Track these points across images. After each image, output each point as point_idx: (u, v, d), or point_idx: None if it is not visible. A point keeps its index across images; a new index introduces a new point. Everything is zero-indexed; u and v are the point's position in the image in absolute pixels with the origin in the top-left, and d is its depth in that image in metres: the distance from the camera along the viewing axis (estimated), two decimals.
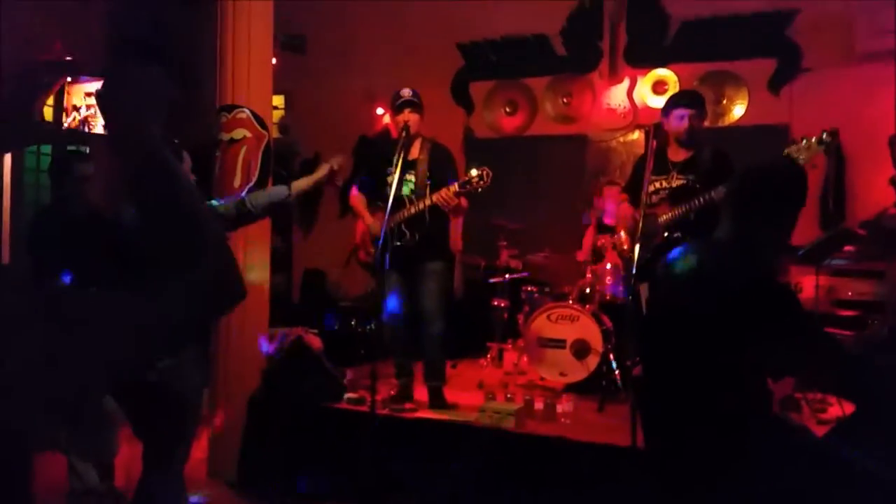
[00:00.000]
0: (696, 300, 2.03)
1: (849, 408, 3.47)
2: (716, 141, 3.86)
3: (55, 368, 0.87)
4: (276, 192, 3.18)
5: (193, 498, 3.64)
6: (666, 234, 3.58)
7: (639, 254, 3.13)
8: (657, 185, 3.67)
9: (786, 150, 3.11)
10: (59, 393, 0.90)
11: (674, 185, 3.65)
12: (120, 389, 2.82)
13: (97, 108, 1.10)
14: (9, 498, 0.98)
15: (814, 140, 3.07)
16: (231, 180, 4.19)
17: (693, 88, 5.85)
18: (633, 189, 3.81)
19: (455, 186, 3.81)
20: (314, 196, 7.30)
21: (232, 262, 1.05)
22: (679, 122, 3.65)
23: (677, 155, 3.71)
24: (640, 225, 3.39)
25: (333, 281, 6.88)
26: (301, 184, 3.29)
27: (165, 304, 0.95)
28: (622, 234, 3.93)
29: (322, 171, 3.32)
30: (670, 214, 3.58)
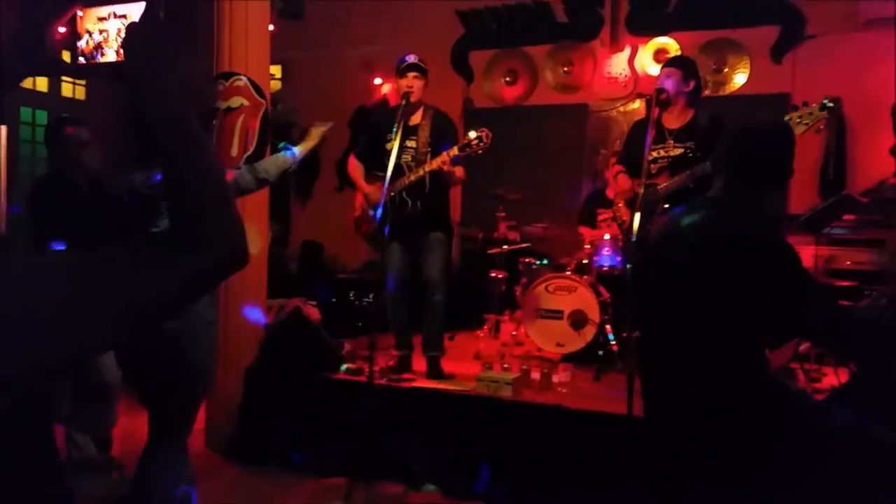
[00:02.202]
0: (691, 260, 2.03)
1: (844, 377, 3.49)
2: (717, 109, 3.81)
3: (60, 334, 0.87)
4: (285, 158, 3.14)
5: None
6: (667, 206, 3.54)
7: (639, 224, 3.12)
8: (655, 154, 3.63)
9: (787, 116, 3.08)
10: (66, 357, 0.90)
11: (672, 153, 3.61)
12: (127, 358, 2.82)
13: (121, 46, 1.09)
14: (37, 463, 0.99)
15: (815, 106, 3.04)
16: (229, 149, 4.16)
17: (694, 56, 5.80)
18: (629, 159, 3.76)
19: (455, 150, 3.78)
20: (311, 169, 7.26)
21: (239, 221, 1.04)
22: (659, 81, 3.63)
23: (673, 122, 3.67)
24: (641, 195, 3.37)
25: (331, 253, 6.88)
26: (302, 150, 3.26)
27: (168, 262, 0.94)
28: (621, 205, 3.90)
29: (314, 139, 3.28)
30: (670, 184, 3.54)
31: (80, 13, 1.38)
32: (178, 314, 2.08)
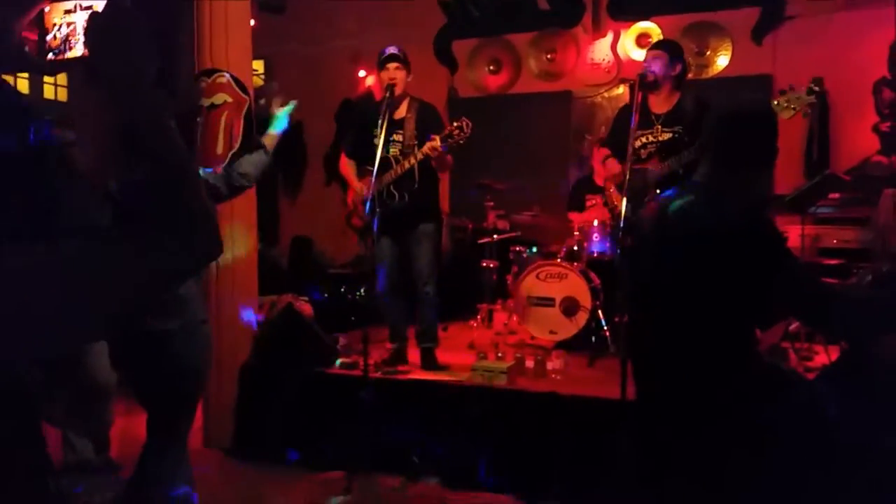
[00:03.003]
0: (678, 245, 2.05)
1: (835, 355, 3.53)
2: (700, 92, 3.83)
3: (48, 326, 0.87)
4: (260, 159, 3.12)
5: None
6: (658, 191, 3.55)
7: (628, 209, 3.13)
8: (643, 139, 3.65)
9: (774, 101, 3.09)
10: (54, 348, 0.91)
11: (660, 138, 3.63)
12: (122, 359, 2.81)
13: (85, 38, 1.06)
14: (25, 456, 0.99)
15: (802, 90, 3.05)
16: (214, 147, 4.11)
17: (676, 40, 5.81)
18: (616, 144, 3.77)
19: (437, 140, 3.77)
20: (299, 163, 7.24)
21: (212, 214, 1.05)
22: (645, 63, 3.64)
23: (660, 107, 3.69)
24: (627, 179, 3.37)
25: (321, 248, 6.87)
26: (270, 140, 3.23)
27: (146, 254, 0.95)
28: (612, 190, 3.91)
29: (280, 116, 3.25)
30: (659, 169, 3.56)
31: (46, 8, 1.37)
32: (158, 304, 2.08)
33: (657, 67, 3.59)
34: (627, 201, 3.40)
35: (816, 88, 3.01)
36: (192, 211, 0.99)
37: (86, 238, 0.92)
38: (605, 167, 3.99)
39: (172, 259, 0.96)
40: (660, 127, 3.65)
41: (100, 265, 0.92)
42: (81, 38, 1.27)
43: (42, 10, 1.28)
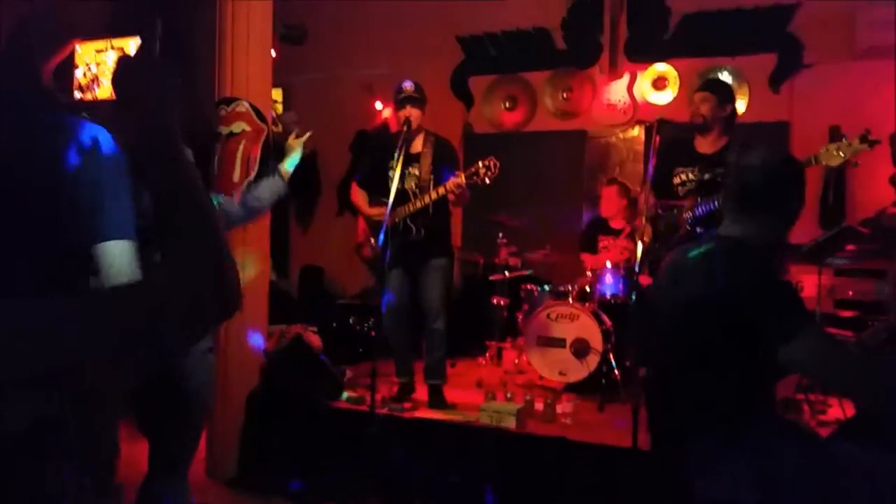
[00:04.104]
0: (694, 297, 2.02)
1: (849, 409, 3.47)
2: (751, 139, 3.74)
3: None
4: (276, 185, 3.11)
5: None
6: (689, 229, 3.49)
7: (658, 248, 3.10)
8: (682, 177, 3.58)
9: (823, 147, 3.03)
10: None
11: (703, 177, 3.56)
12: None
13: (111, 85, 1.05)
14: None
15: (855, 139, 3.01)
16: (230, 174, 4.15)
17: (692, 84, 5.83)
18: (657, 182, 3.72)
19: (462, 177, 3.76)
20: (312, 193, 7.26)
21: (234, 270, 1.02)
22: (694, 106, 3.59)
23: (707, 147, 3.60)
24: (645, 217, 3.32)
25: (332, 278, 6.86)
26: (287, 167, 3.23)
27: (159, 306, 0.93)
28: (643, 220, 3.84)
29: (295, 150, 3.26)
30: (693, 208, 3.47)
31: (77, 48, 1.37)
32: (174, 359, 2.05)
33: (706, 110, 3.55)
34: (656, 238, 3.36)
35: (873, 139, 2.97)
36: (212, 266, 0.97)
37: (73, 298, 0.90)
38: (641, 199, 3.87)
39: (187, 318, 0.94)
40: (703, 166, 3.57)
41: (104, 321, 0.90)
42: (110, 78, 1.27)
43: (73, 50, 1.28)
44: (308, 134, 3.34)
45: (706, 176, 3.55)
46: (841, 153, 2.99)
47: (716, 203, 3.32)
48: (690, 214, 3.46)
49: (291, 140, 3.30)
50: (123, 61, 1.03)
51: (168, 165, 0.97)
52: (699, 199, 3.45)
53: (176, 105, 1.01)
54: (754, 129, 5.67)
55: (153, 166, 0.98)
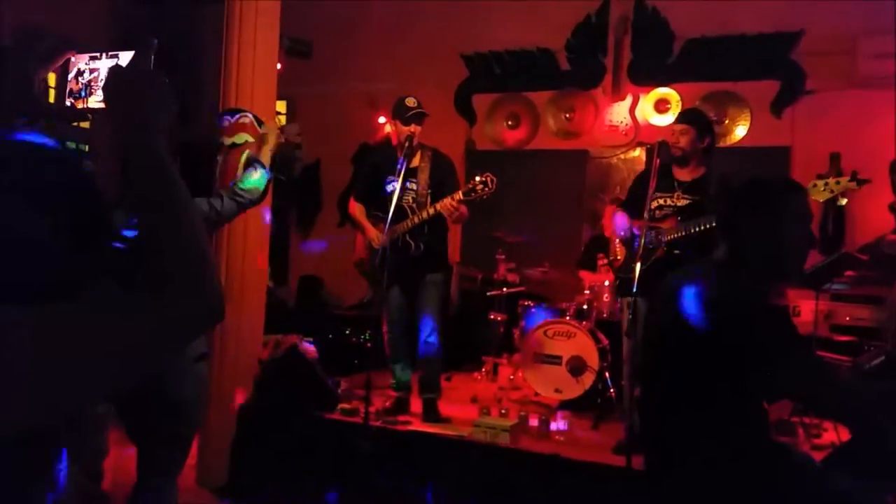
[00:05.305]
0: (688, 323, 2.02)
1: (844, 433, 3.46)
2: (716, 162, 3.79)
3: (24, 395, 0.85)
4: (258, 174, 3.02)
5: None
6: (667, 250, 3.52)
7: (639, 264, 3.14)
8: (661, 202, 3.63)
9: (812, 183, 3.07)
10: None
11: (678, 203, 3.60)
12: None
13: (103, 90, 1.05)
14: None
15: (844, 179, 3.06)
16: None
17: (696, 107, 5.88)
18: (632, 205, 3.77)
19: (459, 195, 3.80)
20: (314, 204, 7.28)
21: (217, 280, 1.03)
22: (674, 137, 3.62)
23: (685, 176, 3.66)
24: (643, 240, 3.37)
25: (329, 289, 6.85)
26: (265, 158, 3.18)
27: (143, 321, 0.93)
28: (617, 242, 3.87)
29: (272, 139, 3.23)
30: (674, 230, 3.51)
31: (72, 58, 1.38)
32: (155, 368, 2.05)
33: (685, 143, 3.58)
34: (630, 259, 3.38)
35: (862, 179, 3.02)
36: (195, 277, 0.97)
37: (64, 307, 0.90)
38: (613, 221, 3.90)
39: (169, 326, 0.94)
40: (680, 193, 3.62)
41: (87, 331, 0.89)
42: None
43: (68, 59, 1.30)
44: (279, 123, 3.30)
45: (682, 202, 3.59)
46: (829, 190, 3.03)
47: (694, 228, 3.39)
48: (669, 237, 3.50)
49: (264, 132, 3.25)
50: (115, 71, 1.03)
51: (153, 176, 0.98)
52: (678, 223, 3.50)
53: (166, 116, 1.02)
54: (756, 153, 5.70)
55: (138, 176, 0.98)
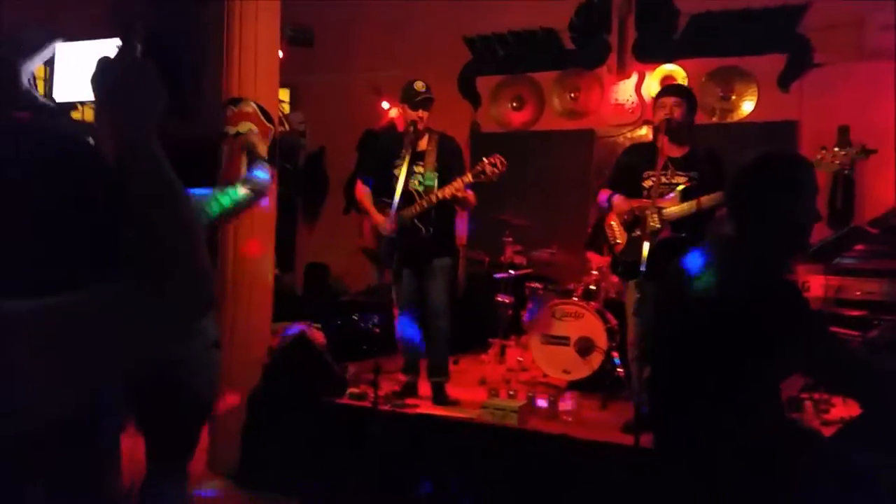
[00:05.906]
0: (705, 300, 2.01)
1: (853, 409, 3.44)
2: (723, 137, 3.78)
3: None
4: (260, 168, 3.01)
5: (204, 491, 3.63)
6: (672, 231, 3.51)
7: (646, 246, 3.13)
8: (654, 180, 3.59)
9: (818, 155, 3.05)
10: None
11: (673, 181, 3.59)
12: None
13: (91, 81, 1.04)
14: None
15: (852, 149, 3.04)
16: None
17: (702, 84, 5.82)
18: (623, 183, 3.75)
19: (469, 177, 3.78)
20: (320, 191, 7.29)
21: (209, 269, 1.02)
22: (667, 110, 3.58)
23: (674, 152, 3.64)
24: (648, 218, 3.36)
25: (336, 275, 6.87)
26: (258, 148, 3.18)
27: (134, 312, 0.93)
28: (614, 224, 3.83)
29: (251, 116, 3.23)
30: (677, 210, 3.50)
31: (59, 45, 1.36)
32: (147, 359, 2.06)
33: (679, 114, 3.56)
34: (633, 237, 3.35)
35: (868, 149, 2.99)
36: (185, 266, 0.97)
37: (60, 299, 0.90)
38: (613, 204, 3.83)
39: (159, 317, 0.94)
40: (674, 170, 3.61)
41: (82, 322, 0.89)
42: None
43: (54, 50, 1.28)
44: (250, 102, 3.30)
45: (677, 180, 3.58)
46: (836, 161, 3.00)
47: (700, 205, 3.39)
48: (672, 216, 3.50)
49: (243, 106, 3.23)
50: (102, 62, 1.03)
51: (144, 166, 0.97)
52: (681, 201, 3.48)
53: (155, 107, 1.01)
54: (764, 128, 5.65)
55: (129, 167, 0.97)
